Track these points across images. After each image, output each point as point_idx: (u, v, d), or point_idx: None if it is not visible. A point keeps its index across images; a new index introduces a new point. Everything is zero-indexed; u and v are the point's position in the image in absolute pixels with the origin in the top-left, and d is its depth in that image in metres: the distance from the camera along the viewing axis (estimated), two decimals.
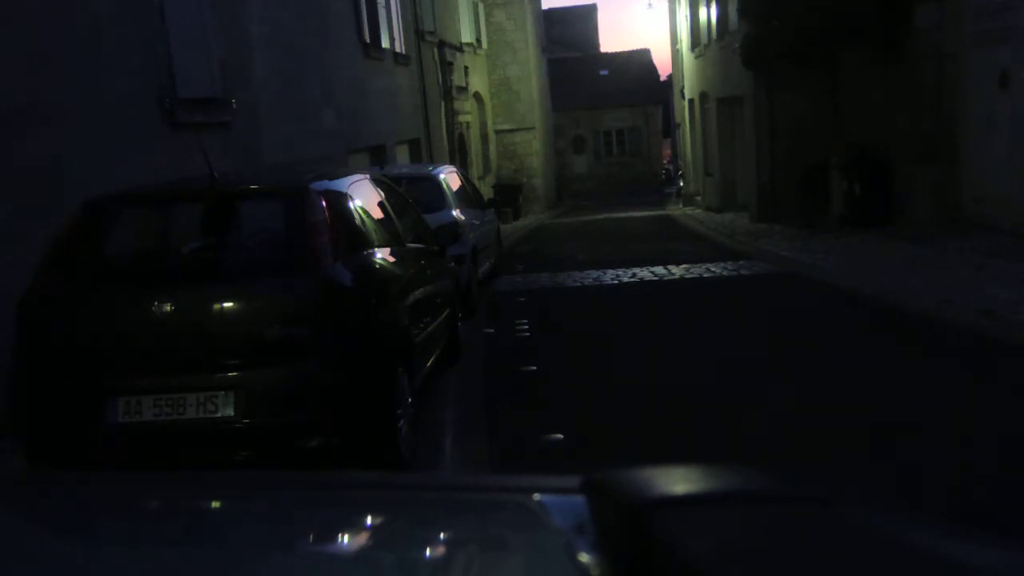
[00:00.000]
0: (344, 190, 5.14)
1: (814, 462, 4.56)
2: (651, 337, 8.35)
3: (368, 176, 6.02)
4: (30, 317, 4.38)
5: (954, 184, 12.67)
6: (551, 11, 47.62)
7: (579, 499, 0.98)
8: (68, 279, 4.49)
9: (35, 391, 4.35)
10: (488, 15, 29.05)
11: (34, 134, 6.26)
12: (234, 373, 4.19)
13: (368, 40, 14.94)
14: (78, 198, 4.71)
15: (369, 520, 1.20)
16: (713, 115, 22.54)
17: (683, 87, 28.61)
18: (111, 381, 4.23)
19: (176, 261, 5.11)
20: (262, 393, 4.18)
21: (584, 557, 0.86)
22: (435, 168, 11.62)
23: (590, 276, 12.62)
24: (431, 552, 1.09)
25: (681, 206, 28.01)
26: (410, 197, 7.45)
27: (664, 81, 41.88)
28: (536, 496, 1.10)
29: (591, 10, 51.14)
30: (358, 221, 5.17)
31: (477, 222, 11.37)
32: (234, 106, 9.30)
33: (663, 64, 67.85)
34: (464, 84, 23.78)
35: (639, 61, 46.15)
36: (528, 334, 8.87)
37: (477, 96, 26.65)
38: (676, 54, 30.11)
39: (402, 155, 16.98)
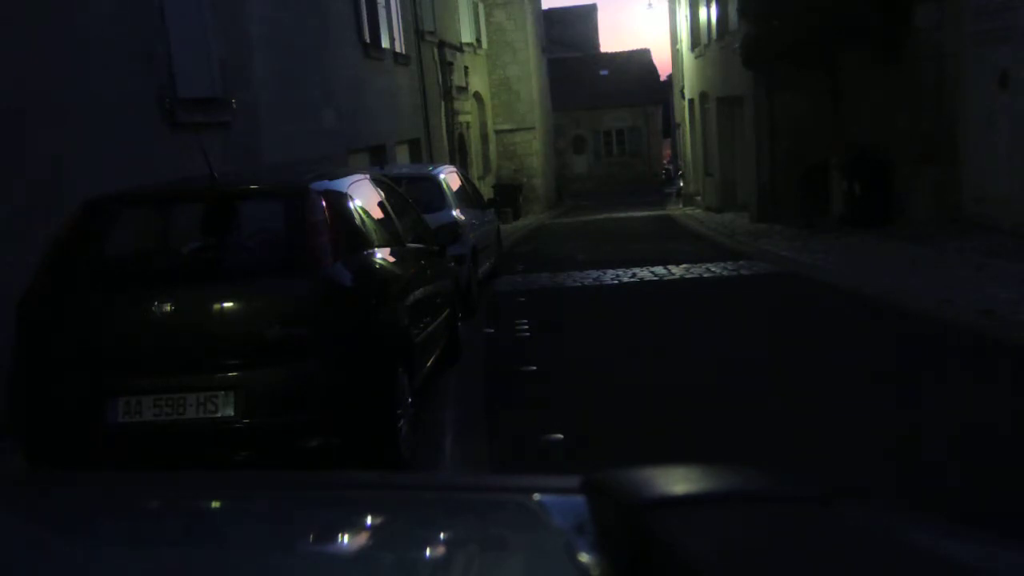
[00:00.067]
0: (344, 190, 5.14)
1: (814, 462, 4.56)
2: (651, 337, 8.35)
3: (368, 176, 6.02)
4: (30, 317, 4.38)
5: (954, 184, 12.67)
6: (551, 11, 47.70)
7: (579, 499, 0.98)
8: (68, 279, 4.49)
9: (35, 391, 4.35)
10: (488, 15, 29.05)
11: (34, 134, 6.25)
12: (234, 373, 4.20)
13: (368, 40, 14.94)
14: (78, 198, 4.71)
15: (369, 520, 1.20)
16: (713, 115, 22.54)
17: (683, 87, 28.61)
18: (111, 381, 4.23)
19: (176, 261, 5.12)
20: (262, 393, 4.19)
21: (584, 557, 0.86)
22: (435, 168, 11.61)
23: (590, 276, 12.62)
24: (431, 552, 1.09)
25: (681, 206, 28.00)
26: (410, 197, 7.45)
27: (664, 81, 41.88)
28: (536, 496, 1.10)
29: (591, 10, 51.15)
30: (358, 221, 5.17)
31: (477, 222, 11.37)
32: (234, 106, 9.30)
33: (663, 64, 67.90)
34: (464, 84, 23.78)
35: (639, 61, 46.15)
36: (528, 334, 8.87)
37: (477, 96, 26.65)
38: (676, 54, 30.11)
39: (402, 155, 16.98)
